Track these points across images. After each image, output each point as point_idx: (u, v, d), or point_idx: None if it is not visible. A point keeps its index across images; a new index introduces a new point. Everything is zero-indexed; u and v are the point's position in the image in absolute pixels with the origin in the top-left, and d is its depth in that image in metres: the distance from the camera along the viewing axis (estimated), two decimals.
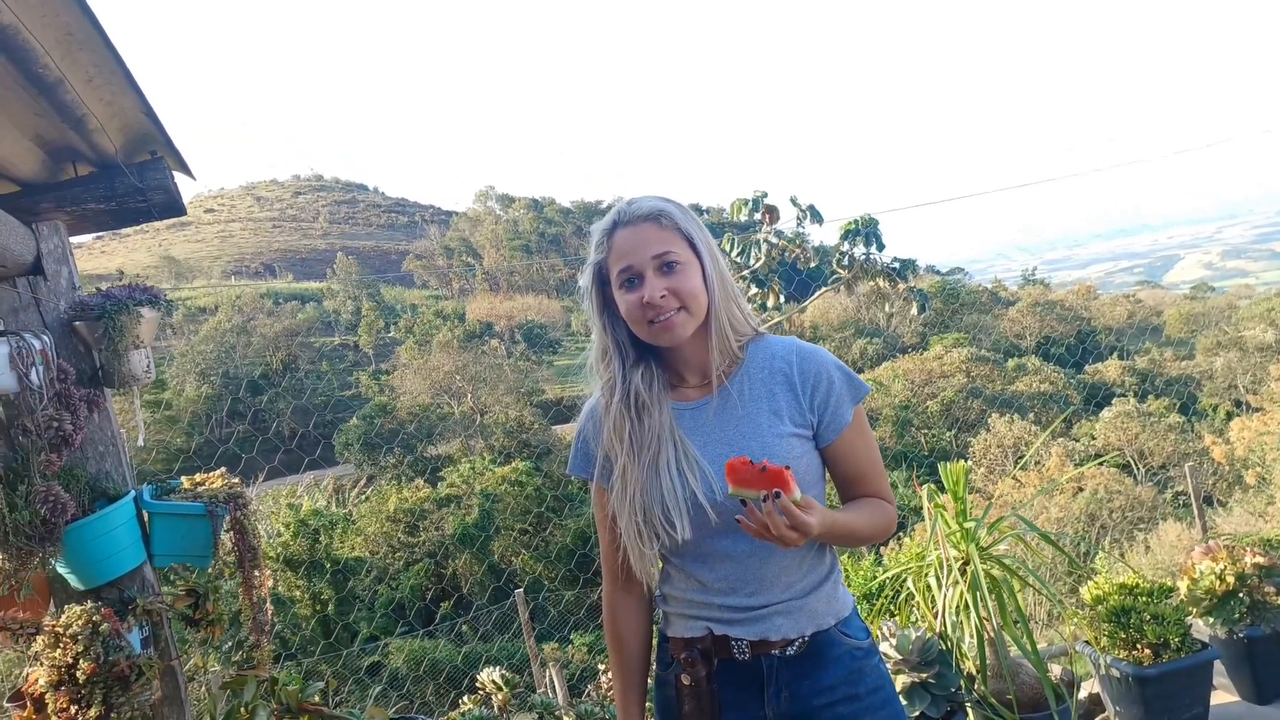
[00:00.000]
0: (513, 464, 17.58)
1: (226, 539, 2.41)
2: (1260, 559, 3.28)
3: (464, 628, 12.63)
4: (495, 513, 15.85)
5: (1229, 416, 18.05)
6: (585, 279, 1.61)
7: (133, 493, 2.26)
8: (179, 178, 2.50)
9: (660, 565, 1.65)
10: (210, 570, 2.41)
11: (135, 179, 2.30)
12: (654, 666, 1.73)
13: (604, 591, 1.72)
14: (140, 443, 2.49)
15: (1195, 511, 5.87)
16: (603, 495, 1.63)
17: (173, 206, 2.41)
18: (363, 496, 18.87)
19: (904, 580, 3.20)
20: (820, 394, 1.55)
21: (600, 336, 1.62)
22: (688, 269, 1.52)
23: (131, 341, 2.20)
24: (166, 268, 55.05)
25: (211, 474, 2.44)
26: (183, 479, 2.43)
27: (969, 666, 2.94)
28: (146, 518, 2.27)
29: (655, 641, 1.72)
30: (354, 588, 13.97)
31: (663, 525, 1.52)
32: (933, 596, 3.02)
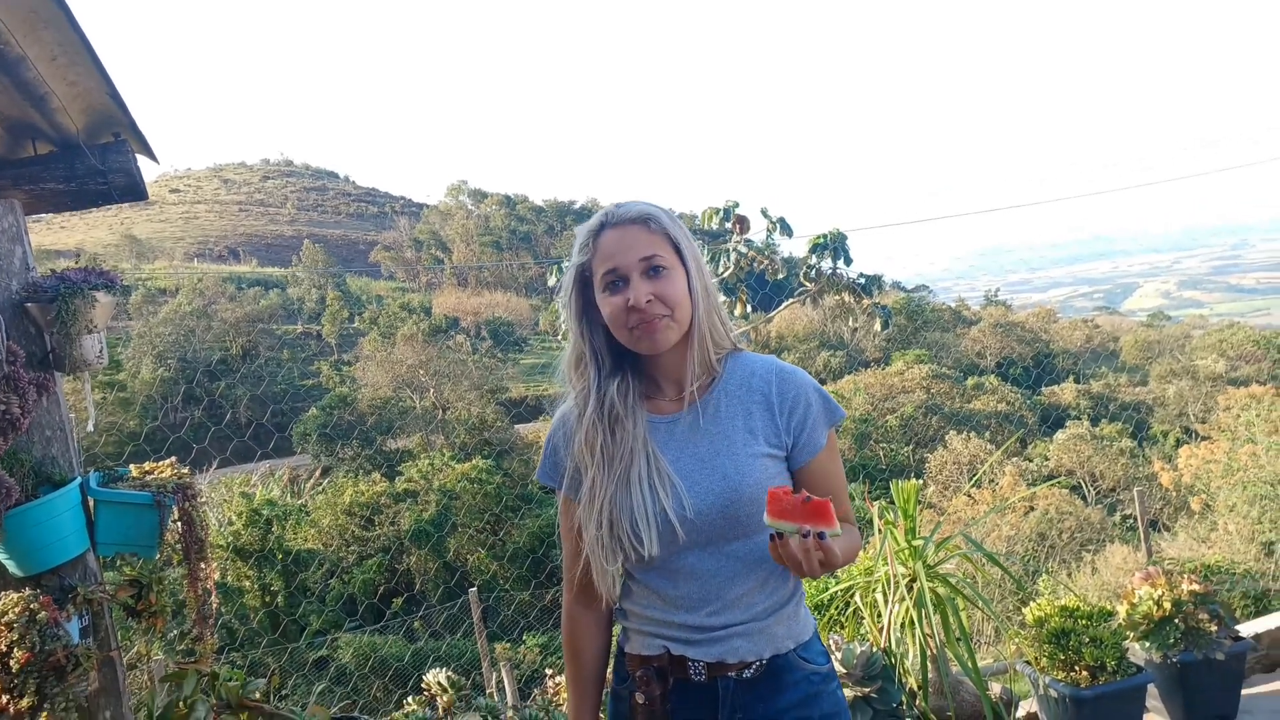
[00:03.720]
0: (473, 461, 17.46)
1: (174, 529, 2.38)
2: (1196, 586, 3.36)
3: (415, 625, 12.53)
4: (453, 510, 15.75)
5: (1178, 443, 18.44)
6: (566, 281, 1.58)
7: (79, 479, 2.22)
8: (142, 161, 2.47)
9: (622, 580, 1.63)
10: (157, 560, 2.38)
11: (97, 160, 2.27)
12: (610, 680, 1.71)
13: (564, 604, 1.70)
14: (90, 428, 2.45)
15: (1141, 535, 6.00)
16: (570, 507, 1.61)
17: (134, 190, 2.38)
18: (318, 488, 18.64)
19: (853, 594, 3.25)
20: (798, 416, 1.55)
21: (577, 343, 1.59)
22: (673, 275, 1.51)
23: (85, 325, 2.17)
24: (128, 247, 53.89)
25: (161, 463, 2.41)
26: (131, 467, 2.40)
27: (911, 682, 2.98)
28: (92, 505, 2.24)
29: (614, 654, 1.71)
30: (305, 580, 13.79)
31: (630, 540, 1.50)
32: (879, 612, 3.06)
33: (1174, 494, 14.12)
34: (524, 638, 11.00)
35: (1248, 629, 3.83)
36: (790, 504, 1.33)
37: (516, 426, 23.25)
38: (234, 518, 14.01)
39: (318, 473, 20.86)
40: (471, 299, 44.87)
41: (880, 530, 3.10)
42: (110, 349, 2.40)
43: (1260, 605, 5.38)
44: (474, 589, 5.89)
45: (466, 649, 10.31)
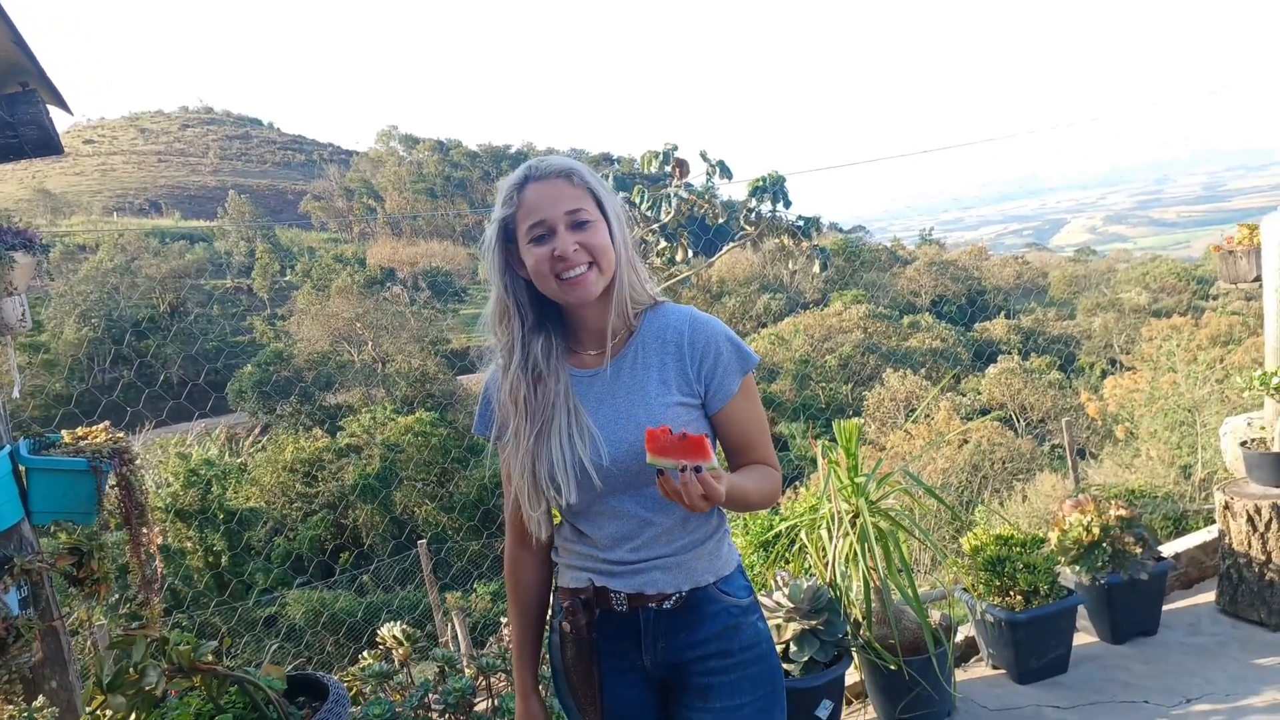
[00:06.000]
0: (416, 414, 17.31)
1: (111, 495, 2.32)
2: (1123, 511, 3.52)
3: (365, 579, 12.50)
4: (398, 463, 15.63)
5: (1104, 374, 19.13)
6: (489, 235, 1.60)
7: (8, 447, 2.15)
8: (54, 112, 2.35)
9: (557, 522, 1.72)
10: (94, 526, 2.32)
11: (4, 112, 2.16)
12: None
13: (506, 546, 1.78)
14: (15, 394, 2.36)
15: (1070, 463, 6.23)
16: (505, 454, 1.67)
17: (47, 143, 2.27)
18: (258, 446, 18.31)
19: (798, 531, 3.33)
20: (708, 364, 1.59)
21: (501, 297, 1.62)
22: (597, 227, 1.55)
23: (4, 288, 2.08)
24: (41, 201, 51.28)
25: (94, 428, 2.34)
26: (63, 433, 2.33)
27: (856, 613, 3.09)
28: (24, 473, 2.17)
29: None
30: (249, 539, 13.62)
31: (549, 488, 1.58)
32: (824, 547, 3.15)
33: (1100, 423, 14.68)
34: (475, 587, 11.06)
35: (1168, 549, 4.04)
36: (667, 441, 1.38)
37: (459, 378, 23.06)
38: (171, 479, 13.70)
39: (256, 430, 20.47)
40: (407, 249, 43.98)
41: (823, 469, 3.17)
42: (30, 309, 2.30)
43: (1179, 526, 5.66)
44: (423, 541, 5.88)
45: (419, 600, 10.33)
